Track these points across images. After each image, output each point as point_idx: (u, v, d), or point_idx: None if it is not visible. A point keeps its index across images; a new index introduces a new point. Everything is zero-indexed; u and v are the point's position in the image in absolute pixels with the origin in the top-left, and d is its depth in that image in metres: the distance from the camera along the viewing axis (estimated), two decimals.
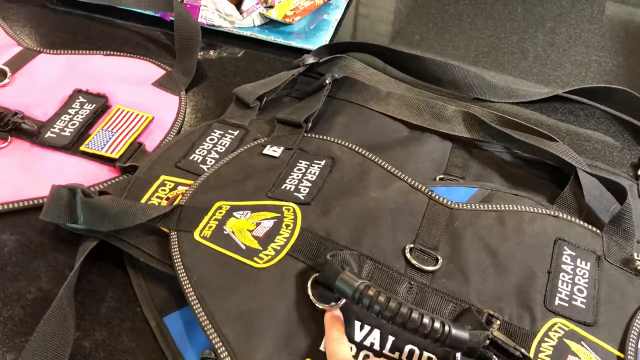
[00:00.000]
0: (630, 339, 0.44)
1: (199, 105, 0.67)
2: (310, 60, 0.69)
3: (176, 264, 0.46)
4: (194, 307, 0.43)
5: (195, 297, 0.43)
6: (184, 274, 0.45)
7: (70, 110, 0.62)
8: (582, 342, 0.44)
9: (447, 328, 0.40)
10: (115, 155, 0.57)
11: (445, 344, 0.40)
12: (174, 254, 0.46)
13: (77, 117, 0.61)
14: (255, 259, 0.46)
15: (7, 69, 0.66)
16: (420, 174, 0.59)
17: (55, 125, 0.60)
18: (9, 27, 0.73)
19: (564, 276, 0.48)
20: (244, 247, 0.47)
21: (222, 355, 0.40)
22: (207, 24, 0.76)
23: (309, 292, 0.44)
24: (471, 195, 0.55)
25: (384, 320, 0.41)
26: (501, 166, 0.61)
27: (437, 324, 0.40)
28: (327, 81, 0.64)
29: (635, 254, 0.52)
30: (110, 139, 0.59)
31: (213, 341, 0.41)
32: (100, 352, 0.44)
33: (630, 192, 0.59)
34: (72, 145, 0.58)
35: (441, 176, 0.59)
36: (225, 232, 0.48)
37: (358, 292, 0.41)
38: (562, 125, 0.68)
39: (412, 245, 0.49)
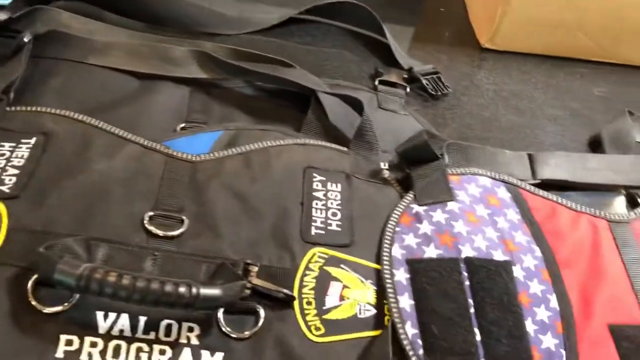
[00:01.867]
0: (384, 249, 0.45)
1: None
2: (3, 16, 0.57)
3: None
4: None
5: None
6: None
7: None
8: (342, 265, 0.44)
9: (194, 290, 0.36)
10: None
11: (197, 306, 0.36)
12: None
13: None
14: None
15: None
16: (158, 128, 0.53)
17: None
18: None
19: (316, 204, 0.47)
20: None
21: None
22: None
23: (30, 298, 0.37)
24: (215, 140, 0.51)
25: (124, 302, 0.36)
26: (244, 102, 0.58)
27: (181, 289, 0.36)
28: (26, 39, 0.54)
29: (382, 165, 0.52)
30: None
31: None
32: None
33: (371, 103, 0.60)
34: None
35: (182, 125, 0.54)
36: None
37: (83, 280, 0.35)
38: (301, 48, 0.66)
39: (151, 213, 0.43)
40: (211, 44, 0.62)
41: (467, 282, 0.43)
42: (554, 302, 0.44)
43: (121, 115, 0.52)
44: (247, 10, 0.70)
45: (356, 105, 0.55)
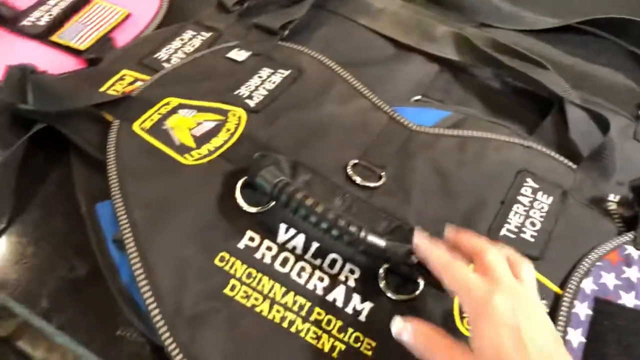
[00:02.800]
0: (573, 277, 0.41)
1: (181, 6, 0.64)
2: None
3: (108, 150, 0.45)
4: (112, 188, 0.42)
5: (115, 179, 0.43)
6: (113, 160, 0.44)
7: (50, 2, 0.61)
8: None
9: (362, 233, 0.38)
10: (82, 47, 0.56)
11: (361, 249, 0.38)
12: (109, 141, 0.46)
13: (55, 8, 0.60)
14: (185, 155, 0.45)
15: None
16: (396, 94, 0.55)
17: (32, 14, 0.59)
18: None
19: (517, 207, 0.45)
20: (178, 142, 0.45)
21: (126, 239, 0.40)
22: None
23: (237, 193, 0.43)
24: (441, 119, 0.51)
25: (302, 220, 0.39)
26: (486, 93, 0.57)
27: (352, 228, 0.38)
28: None
29: (611, 196, 0.47)
30: (81, 31, 0.58)
31: (120, 222, 0.40)
32: (32, 230, 0.45)
33: (625, 131, 0.54)
34: (46, 35, 0.58)
35: (418, 98, 0.55)
36: (163, 127, 0.46)
37: (276, 189, 0.39)
38: (568, 57, 0.61)
39: (356, 161, 0.46)
40: (474, 29, 0.62)
41: None
42: None
43: (369, 74, 0.55)
44: (525, 8, 0.67)
45: (602, 124, 0.50)
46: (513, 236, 0.43)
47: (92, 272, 0.42)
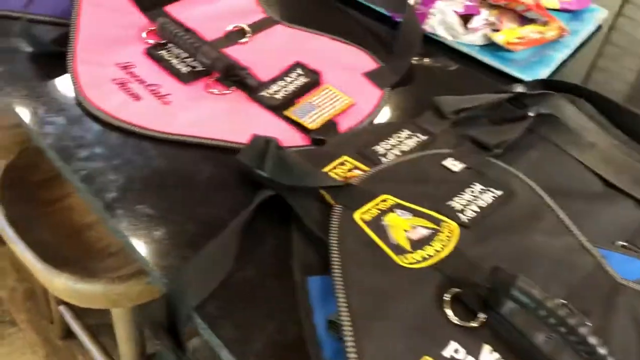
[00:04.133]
0: None
1: (398, 105, 0.69)
2: (520, 89, 0.68)
3: (331, 232, 0.49)
4: (334, 270, 0.46)
5: (338, 263, 0.46)
6: (336, 242, 0.48)
7: (286, 78, 0.69)
8: None
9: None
10: (311, 126, 0.62)
11: None
12: (332, 223, 0.50)
13: (291, 86, 0.68)
14: (401, 256, 0.48)
15: (249, 30, 0.75)
16: (599, 233, 0.55)
17: (270, 87, 0.67)
18: None
19: None
20: (394, 242, 0.49)
21: (343, 320, 0.43)
22: (430, 33, 0.79)
23: (446, 303, 0.45)
24: None
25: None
26: None
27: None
28: (530, 114, 0.63)
29: None
30: (311, 111, 0.64)
31: (340, 305, 0.44)
32: (246, 287, 0.49)
33: None
34: (279, 108, 0.65)
35: (623, 243, 0.55)
36: (381, 223, 0.50)
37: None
38: None
39: (563, 301, 0.46)
40: None
41: None
42: None
43: (574, 207, 0.55)
44: None
45: None
46: None
47: (297, 337, 0.46)
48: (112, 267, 0.80)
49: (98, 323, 1.18)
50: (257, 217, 0.55)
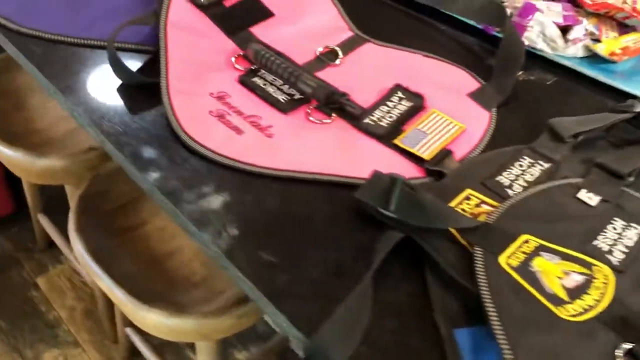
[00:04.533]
0: None
1: (507, 126, 0.65)
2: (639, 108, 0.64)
3: (481, 282, 0.46)
4: (495, 329, 0.42)
5: (497, 319, 0.43)
6: (489, 295, 0.45)
7: (389, 103, 0.65)
8: None
9: None
10: (426, 156, 0.59)
11: None
12: (478, 270, 0.46)
13: (395, 111, 0.64)
14: (560, 308, 0.44)
15: (339, 51, 0.72)
16: None
17: (374, 114, 0.64)
18: (344, 12, 0.79)
19: None
20: (550, 291, 0.45)
21: None
22: (529, 46, 0.74)
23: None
24: None
25: None
26: None
27: None
28: None
29: None
30: (423, 139, 0.61)
31: None
32: (390, 340, 0.46)
33: None
34: (387, 137, 0.61)
35: None
36: (531, 269, 0.46)
37: None
38: None
39: None
40: None
41: None
42: None
43: None
44: None
45: None
46: None
47: None
48: (200, 299, 0.78)
49: (163, 342, 1.16)
50: (387, 260, 0.51)
